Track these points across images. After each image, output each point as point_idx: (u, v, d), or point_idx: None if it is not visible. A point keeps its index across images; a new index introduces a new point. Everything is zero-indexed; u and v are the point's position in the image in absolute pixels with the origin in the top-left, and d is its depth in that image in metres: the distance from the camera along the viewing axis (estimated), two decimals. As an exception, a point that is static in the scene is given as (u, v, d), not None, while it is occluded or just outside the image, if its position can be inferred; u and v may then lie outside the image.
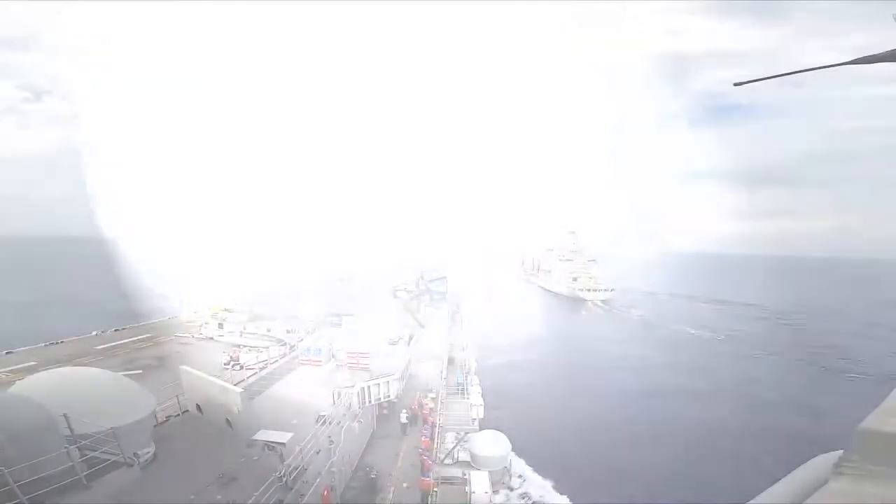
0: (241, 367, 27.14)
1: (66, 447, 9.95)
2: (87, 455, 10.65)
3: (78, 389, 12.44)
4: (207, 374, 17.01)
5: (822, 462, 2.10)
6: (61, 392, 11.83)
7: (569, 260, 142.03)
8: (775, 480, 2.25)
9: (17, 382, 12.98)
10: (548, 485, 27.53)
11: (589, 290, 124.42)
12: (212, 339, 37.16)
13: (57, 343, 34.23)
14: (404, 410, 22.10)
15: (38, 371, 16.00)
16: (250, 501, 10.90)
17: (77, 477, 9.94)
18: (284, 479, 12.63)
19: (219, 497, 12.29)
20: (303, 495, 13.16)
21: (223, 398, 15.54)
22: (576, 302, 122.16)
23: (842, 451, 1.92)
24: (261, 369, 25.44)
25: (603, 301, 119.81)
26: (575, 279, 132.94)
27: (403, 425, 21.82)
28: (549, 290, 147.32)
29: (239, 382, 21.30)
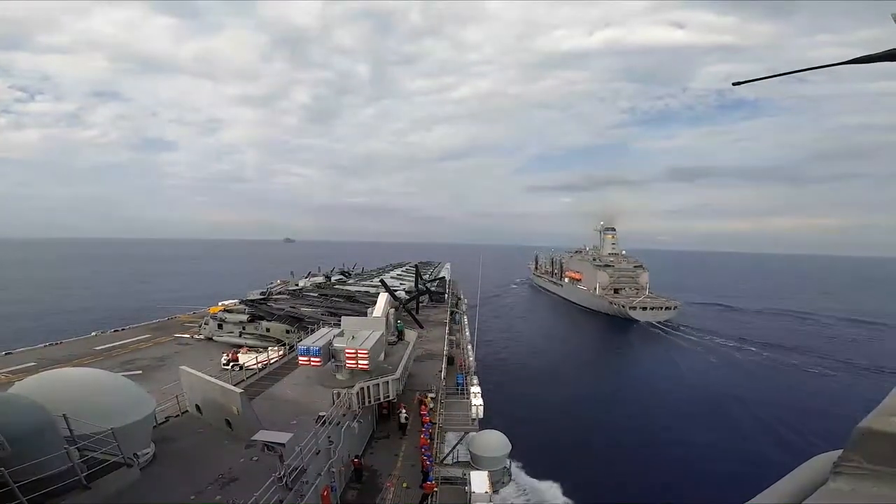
0: (241, 368, 27.14)
1: (65, 448, 9.94)
2: (86, 456, 10.64)
3: (77, 390, 12.42)
4: (207, 375, 16.99)
5: (821, 461, 2.10)
6: (61, 393, 11.82)
7: (607, 265, 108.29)
8: (775, 480, 2.25)
9: (17, 383, 12.96)
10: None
11: (644, 307, 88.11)
12: (211, 339, 37.17)
13: (56, 343, 34.23)
14: (403, 410, 22.11)
15: (38, 372, 15.99)
16: (250, 502, 10.89)
17: (77, 477, 9.92)
18: (284, 480, 12.61)
19: (218, 497, 12.28)
20: (302, 496, 13.15)
21: (223, 399, 15.52)
22: (616, 321, 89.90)
23: (841, 451, 1.93)
24: (260, 370, 25.45)
25: (663, 322, 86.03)
26: (616, 290, 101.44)
27: (402, 425, 21.84)
28: (575, 303, 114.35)
29: (238, 383, 21.32)
